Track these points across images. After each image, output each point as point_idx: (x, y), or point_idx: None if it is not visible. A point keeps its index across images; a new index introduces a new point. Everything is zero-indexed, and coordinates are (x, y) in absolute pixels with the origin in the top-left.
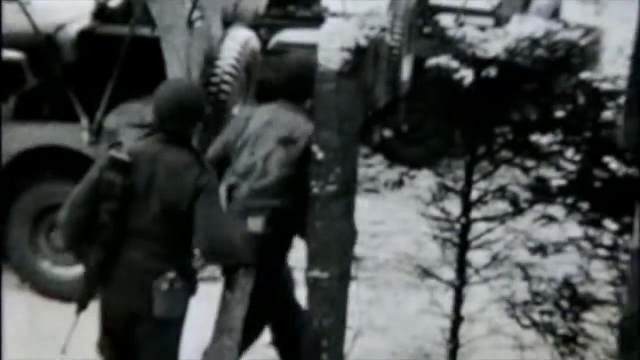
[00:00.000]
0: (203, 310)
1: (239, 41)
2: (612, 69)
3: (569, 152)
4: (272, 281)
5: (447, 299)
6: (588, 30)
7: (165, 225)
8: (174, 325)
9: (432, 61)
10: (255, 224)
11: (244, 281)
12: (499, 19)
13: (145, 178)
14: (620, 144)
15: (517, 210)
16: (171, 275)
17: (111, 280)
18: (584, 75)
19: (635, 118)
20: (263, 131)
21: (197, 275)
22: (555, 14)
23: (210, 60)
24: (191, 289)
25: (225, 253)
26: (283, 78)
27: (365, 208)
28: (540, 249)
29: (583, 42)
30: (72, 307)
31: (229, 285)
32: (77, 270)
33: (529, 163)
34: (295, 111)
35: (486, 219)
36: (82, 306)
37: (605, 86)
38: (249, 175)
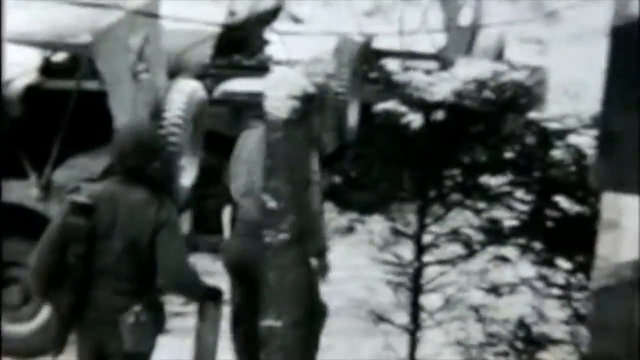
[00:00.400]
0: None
1: (185, 92)
2: (556, 108)
3: (520, 193)
4: None
5: (401, 343)
6: (533, 70)
7: (129, 263)
8: None
9: (380, 106)
10: None
11: (214, 312)
12: (444, 62)
13: (107, 218)
14: (592, 184)
15: (470, 252)
16: (137, 308)
17: (83, 321)
18: (531, 115)
19: (605, 158)
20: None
21: (164, 309)
22: (499, 55)
23: (157, 112)
24: (159, 323)
25: (188, 284)
26: None
27: None
28: (494, 290)
29: (529, 82)
30: None
31: (200, 316)
32: (31, 326)
33: (481, 205)
34: None
35: (439, 262)
36: (58, 352)
37: (553, 125)
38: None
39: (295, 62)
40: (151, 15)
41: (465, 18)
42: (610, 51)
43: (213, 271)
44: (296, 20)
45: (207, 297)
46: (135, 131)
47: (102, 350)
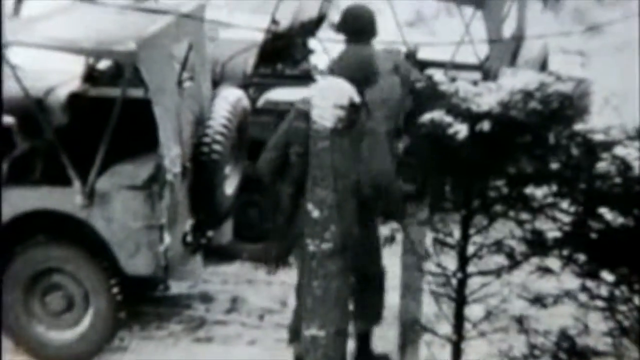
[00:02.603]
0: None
1: (229, 101)
2: (600, 119)
3: (564, 204)
4: None
5: (445, 354)
6: (578, 82)
7: None
8: None
9: (425, 116)
10: None
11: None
12: (487, 73)
13: None
14: None
15: (513, 263)
16: None
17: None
18: (577, 126)
19: None
20: None
21: None
22: (543, 66)
23: (201, 120)
24: None
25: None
26: None
27: None
28: (537, 301)
29: (575, 93)
30: None
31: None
32: (74, 333)
33: (524, 216)
34: None
35: (482, 273)
36: (278, 260)
37: (598, 137)
38: None
39: None
40: (197, 20)
41: (508, 29)
42: None
43: (254, 279)
44: None
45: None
46: (358, 54)
47: None
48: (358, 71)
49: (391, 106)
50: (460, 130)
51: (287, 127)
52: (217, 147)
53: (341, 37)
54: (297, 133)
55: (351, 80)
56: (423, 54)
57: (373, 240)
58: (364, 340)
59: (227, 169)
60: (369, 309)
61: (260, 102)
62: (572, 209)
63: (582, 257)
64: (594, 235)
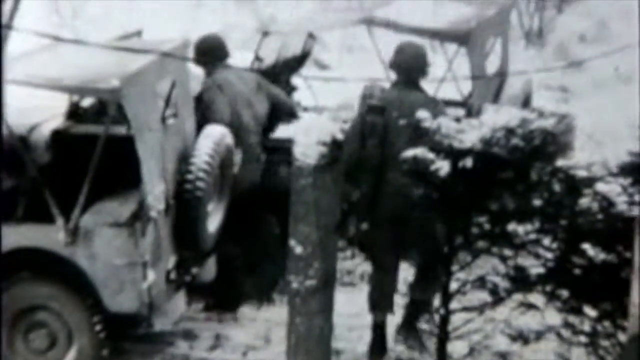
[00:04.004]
0: None
1: (213, 138)
2: (582, 155)
3: (547, 240)
4: None
5: None
6: (561, 118)
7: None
8: None
9: (408, 153)
10: None
11: None
12: (470, 109)
13: (395, 115)
14: None
15: (497, 299)
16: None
17: (380, 196)
18: (559, 162)
19: None
20: None
21: None
22: (526, 102)
23: (184, 157)
24: None
25: None
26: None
27: (342, 301)
28: (520, 337)
29: (557, 129)
30: None
31: None
32: None
33: (507, 252)
34: None
35: (465, 309)
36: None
37: (581, 173)
38: None
39: (323, 109)
40: (180, 58)
41: (491, 65)
42: None
43: (238, 317)
44: (322, 66)
45: None
46: (414, 47)
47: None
48: (414, 63)
49: (259, 120)
50: (443, 166)
51: (360, 121)
52: (200, 184)
53: (324, 74)
54: (374, 127)
55: (409, 71)
56: None
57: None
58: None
59: (211, 206)
60: None
61: None
62: (555, 245)
63: (565, 293)
64: (576, 271)
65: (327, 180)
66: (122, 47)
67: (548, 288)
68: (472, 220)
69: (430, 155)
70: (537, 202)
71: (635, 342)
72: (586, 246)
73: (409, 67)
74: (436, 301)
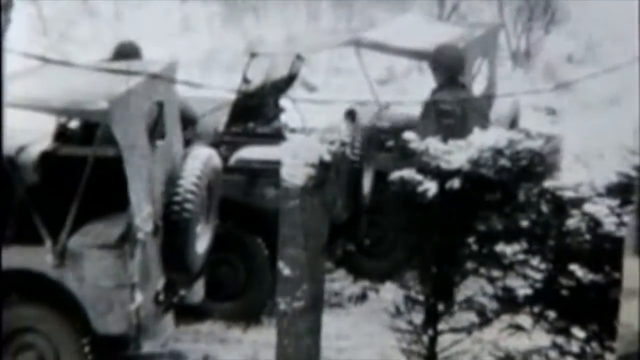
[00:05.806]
0: None
1: (200, 159)
2: (569, 176)
3: (535, 261)
4: None
5: None
6: (548, 139)
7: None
8: None
9: (395, 174)
10: None
11: None
12: None
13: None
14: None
15: (484, 320)
16: None
17: None
18: (547, 183)
19: None
20: None
21: None
22: (514, 123)
23: (172, 179)
24: None
25: None
26: None
27: (330, 323)
28: (508, 358)
29: (545, 150)
30: None
31: None
32: None
33: (495, 273)
34: None
35: (453, 330)
36: None
37: (568, 194)
38: None
39: (310, 130)
40: (168, 80)
41: (479, 86)
42: None
43: (226, 338)
44: (310, 88)
45: None
46: (453, 48)
47: None
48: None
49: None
50: (430, 187)
51: (436, 128)
52: (188, 205)
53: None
54: (449, 128)
55: (447, 69)
56: (395, 111)
57: None
58: None
59: (199, 228)
60: None
61: (232, 161)
62: (543, 266)
63: (552, 314)
64: (564, 292)
65: (315, 201)
66: (110, 69)
67: (536, 309)
68: (460, 241)
69: (418, 177)
70: (524, 223)
71: None
72: (574, 267)
73: (450, 67)
74: (424, 322)
